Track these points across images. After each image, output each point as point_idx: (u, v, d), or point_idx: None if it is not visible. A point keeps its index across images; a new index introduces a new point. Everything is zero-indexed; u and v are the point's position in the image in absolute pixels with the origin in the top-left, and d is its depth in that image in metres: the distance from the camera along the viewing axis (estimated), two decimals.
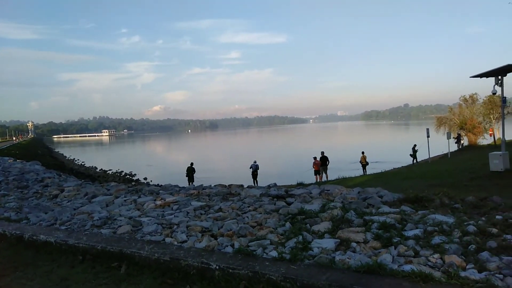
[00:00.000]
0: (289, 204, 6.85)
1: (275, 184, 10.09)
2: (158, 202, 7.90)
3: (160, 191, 9.85)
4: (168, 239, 5.26)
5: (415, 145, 29.62)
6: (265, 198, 7.41)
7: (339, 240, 4.60)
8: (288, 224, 5.43)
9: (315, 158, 24.16)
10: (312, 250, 4.34)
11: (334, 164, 27.26)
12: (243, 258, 4.29)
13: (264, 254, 4.38)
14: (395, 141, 61.29)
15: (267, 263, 4.07)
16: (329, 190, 7.75)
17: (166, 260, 4.53)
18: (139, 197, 9.08)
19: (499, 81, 14.42)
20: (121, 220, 6.48)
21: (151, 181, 29.63)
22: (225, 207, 6.91)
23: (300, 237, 4.72)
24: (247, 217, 6.11)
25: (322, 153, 23.89)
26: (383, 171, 24.40)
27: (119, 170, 37.75)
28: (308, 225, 5.35)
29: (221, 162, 48.72)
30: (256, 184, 22.04)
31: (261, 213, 6.23)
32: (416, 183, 14.56)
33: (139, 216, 6.82)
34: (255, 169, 24.60)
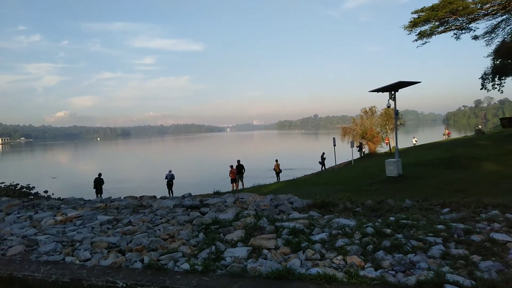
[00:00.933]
0: (203, 214, 6.76)
1: (189, 194, 9.89)
2: (59, 218, 7.17)
3: (62, 205, 8.95)
4: (68, 258, 4.78)
5: (323, 153, 31.72)
6: (179, 209, 7.21)
7: (251, 248, 4.66)
8: (201, 235, 5.34)
9: (231, 166, 24.40)
10: (225, 260, 4.32)
11: (250, 172, 27.81)
12: (153, 273, 4.10)
13: (176, 267, 4.24)
14: (306, 150, 64.83)
15: (178, 277, 3.94)
16: (243, 198, 7.85)
17: (65, 281, 4.12)
18: (36, 212, 8.13)
19: (392, 96, 16.20)
20: (12, 240, 5.73)
21: (52, 194, 26.79)
22: (135, 220, 6.55)
23: (213, 247, 4.68)
24: (159, 229, 5.87)
25: (238, 161, 24.24)
26: (295, 178, 25.63)
27: (14, 183, 33.55)
28: (221, 234, 5.33)
29: (134, 172, 46.34)
30: (171, 195, 21.40)
31: (174, 225, 6.04)
32: (324, 189, 15.51)
33: (35, 234, 6.10)
34: (170, 179, 23.93)
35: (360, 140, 39.61)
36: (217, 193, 16.66)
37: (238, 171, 23.78)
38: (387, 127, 38.98)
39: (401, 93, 16.96)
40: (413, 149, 36.34)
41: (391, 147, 36.70)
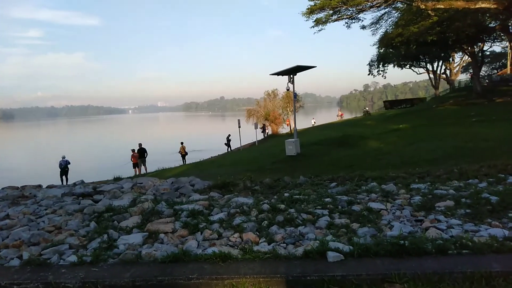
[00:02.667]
0: (96, 202, 6.32)
1: (82, 182, 9.14)
2: None
3: None
4: None
5: (229, 135, 32.11)
6: (68, 198, 6.61)
7: (147, 234, 4.51)
8: (93, 224, 4.99)
9: (133, 150, 23.19)
10: (118, 248, 4.11)
11: (154, 156, 26.82)
12: (33, 269, 3.70)
13: (61, 260, 3.89)
14: (212, 131, 64.90)
15: (63, 271, 3.62)
16: (141, 183, 7.54)
17: None
18: None
19: (291, 79, 17.00)
20: None
21: None
22: (14, 213, 5.83)
23: (105, 236, 4.42)
24: (43, 221, 5.32)
25: (140, 145, 23.14)
26: (201, 160, 25.50)
27: None
28: (116, 222, 5.05)
29: (19, 160, 41.12)
30: (66, 183, 19.59)
31: (61, 215, 5.53)
32: (229, 170, 15.74)
33: None
34: (64, 165, 21.79)
35: (263, 122, 40.99)
36: (118, 179, 15.76)
37: (140, 155, 22.71)
38: (288, 109, 40.98)
39: (300, 77, 17.95)
40: (311, 129, 38.99)
41: (291, 128, 38.78)
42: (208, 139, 47.42)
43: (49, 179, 19.31)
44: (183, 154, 27.06)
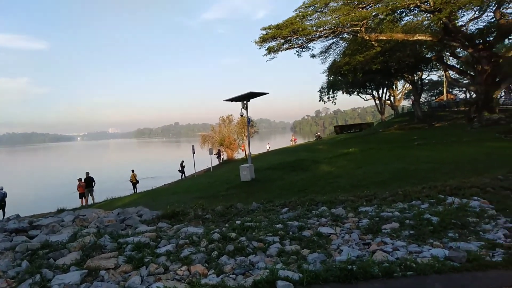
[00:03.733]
0: (32, 238, 5.80)
1: (17, 216, 8.41)
2: None
3: None
4: None
5: (182, 161, 31.52)
6: (0, 235, 6.01)
7: (87, 271, 4.17)
8: (25, 263, 4.54)
9: (79, 179, 21.96)
10: None
11: (103, 185, 25.63)
12: None
13: None
14: (166, 158, 63.43)
15: None
16: (84, 215, 7.07)
17: None
18: None
19: (245, 105, 17.18)
20: None
21: None
22: None
23: (38, 276, 4.02)
24: None
25: (87, 173, 22.00)
26: (153, 187, 24.69)
27: None
28: (52, 259, 4.64)
29: None
30: (3, 217, 18.02)
31: None
32: (182, 197, 15.33)
33: None
34: (1, 198, 20.06)
35: (218, 147, 40.80)
36: (60, 211, 14.76)
37: (87, 185, 21.54)
38: (243, 135, 41.21)
39: (255, 103, 18.25)
40: (266, 154, 39.36)
41: (246, 153, 38.93)
42: (162, 166, 46.23)
43: None
44: (134, 182, 26.08)
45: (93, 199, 21.61)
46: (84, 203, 21.11)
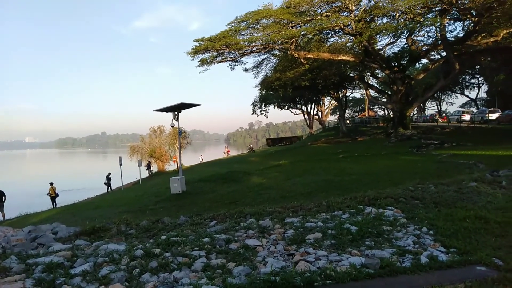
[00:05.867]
0: None
1: None
2: None
3: None
4: None
5: (109, 173, 29.88)
6: None
7: None
8: None
9: None
10: None
11: (16, 199, 23.24)
12: None
13: None
14: (91, 170, 59.57)
15: None
16: None
17: None
18: None
19: (176, 116, 16.86)
20: None
21: None
22: None
23: None
24: None
25: None
26: (76, 201, 23.00)
27: None
28: None
29: None
30: None
31: None
32: (106, 212, 14.48)
33: None
34: None
35: (148, 159, 39.44)
36: None
37: None
38: (175, 146, 40.36)
39: (188, 114, 18.03)
40: (199, 166, 38.92)
41: (178, 165, 38.10)
42: (86, 178, 43.29)
43: None
44: (53, 196, 24.07)
45: (3, 215, 19.52)
46: None
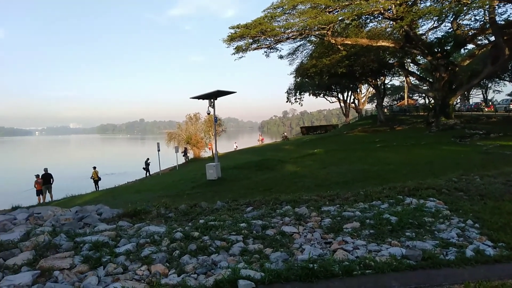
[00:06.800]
0: None
1: None
2: None
3: None
4: None
5: (148, 159, 30.85)
6: None
7: (39, 272, 3.96)
8: None
9: (37, 176, 20.94)
10: None
11: (63, 182, 24.57)
12: None
13: None
14: (131, 155, 61.84)
15: None
16: (39, 213, 6.72)
17: None
18: None
19: (212, 103, 17.04)
20: None
21: None
22: None
23: None
24: None
25: (46, 170, 21.04)
26: (116, 185, 24.00)
27: None
28: (1, 259, 4.37)
29: None
30: None
31: None
32: (146, 196, 15.00)
33: None
34: None
35: (185, 145, 40.28)
36: (14, 209, 13.99)
37: (45, 181, 20.58)
38: (210, 133, 40.93)
39: (223, 101, 18.12)
40: (233, 153, 39.34)
41: (213, 152, 38.67)
42: (126, 163, 44.99)
43: None
44: (96, 179, 25.24)
45: (51, 197, 20.70)
46: (41, 201, 20.16)
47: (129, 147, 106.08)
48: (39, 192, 20.74)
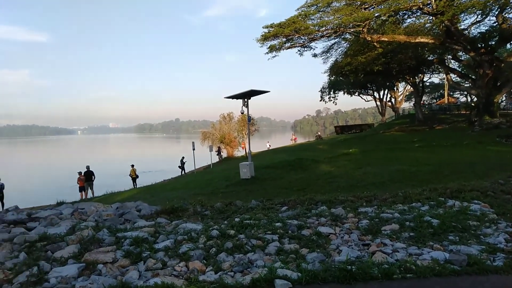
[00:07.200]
0: (30, 230, 5.77)
1: (16, 207, 8.38)
2: None
3: None
4: None
5: (183, 157, 31.53)
6: None
7: (84, 264, 4.15)
8: (22, 255, 4.51)
9: (80, 173, 21.99)
10: (49, 282, 3.73)
11: (103, 179, 25.62)
12: None
13: None
14: (167, 154, 63.45)
15: None
16: (83, 209, 7.04)
17: None
18: None
19: (245, 103, 17.13)
20: None
21: None
22: None
23: (35, 268, 4.00)
24: None
25: (88, 167, 22.02)
26: (153, 183, 24.70)
27: None
28: (49, 252, 4.61)
29: None
30: (2, 208, 18.04)
31: None
32: (181, 193, 15.32)
33: None
34: None
35: (218, 145, 40.79)
36: (60, 204, 14.74)
37: (87, 178, 21.57)
38: (244, 132, 41.19)
39: (256, 101, 18.21)
40: (266, 152, 39.36)
41: (246, 151, 38.90)
42: (162, 162, 46.24)
43: None
44: (134, 177, 26.11)
45: (93, 193, 21.64)
46: (83, 197, 21.15)
47: (165, 146, 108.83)
48: (81, 189, 21.77)
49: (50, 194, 22.41)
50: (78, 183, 21.93)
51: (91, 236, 5.04)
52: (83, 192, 21.70)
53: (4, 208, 16.72)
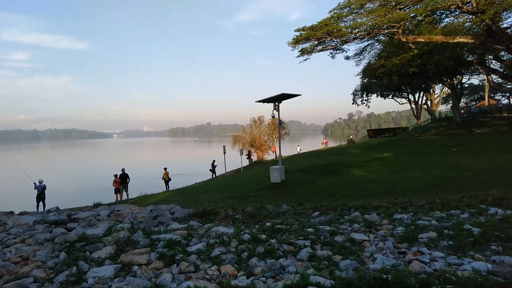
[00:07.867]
0: (70, 230, 6.03)
1: (56, 208, 8.78)
2: None
3: None
4: None
5: (214, 161, 31.90)
6: (40, 226, 6.29)
7: (120, 265, 4.27)
8: (63, 254, 4.71)
9: (115, 175, 22.77)
10: (87, 282, 3.86)
11: (137, 181, 26.35)
12: None
13: None
14: (198, 157, 64.45)
15: None
16: (119, 211, 7.27)
17: None
18: None
19: (276, 107, 17.12)
20: None
21: None
22: None
23: (74, 268, 4.15)
24: (10, 251, 5.01)
25: (123, 170, 22.76)
26: (185, 186, 25.15)
27: None
28: (88, 252, 4.79)
29: None
30: (43, 209, 18.95)
31: (30, 245, 5.22)
32: (212, 196, 15.51)
33: None
34: (41, 190, 21.09)
35: (249, 148, 40.95)
36: (97, 205, 15.32)
37: (122, 181, 22.28)
38: (274, 136, 41.14)
39: (286, 104, 18.18)
40: (296, 156, 39.08)
41: (277, 155, 38.78)
42: (193, 165, 46.97)
43: (26, 205, 18.65)
44: (167, 179, 26.68)
45: (127, 195, 22.31)
46: (118, 199, 21.84)
47: (196, 149, 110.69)
48: (117, 191, 22.51)
49: (87, 195, 23.36)
50: (113, 185, 22.70)
51: (126, 237, 5.19)
52: (118, 194, 22.42)
53: (46, 208, 17.58)
